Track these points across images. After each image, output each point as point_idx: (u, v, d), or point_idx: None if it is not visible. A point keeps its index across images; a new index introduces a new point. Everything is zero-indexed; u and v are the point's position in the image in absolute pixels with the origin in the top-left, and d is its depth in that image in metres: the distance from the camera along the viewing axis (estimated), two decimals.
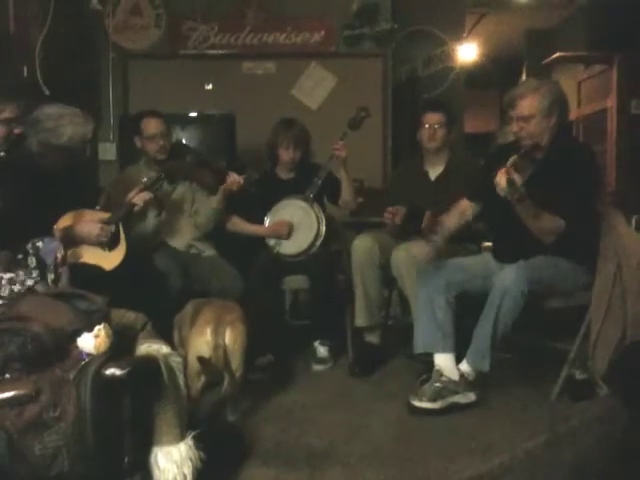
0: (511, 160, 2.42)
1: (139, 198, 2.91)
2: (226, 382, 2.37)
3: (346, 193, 3.33)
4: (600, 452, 2.20)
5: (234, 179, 3.17)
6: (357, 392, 2.80)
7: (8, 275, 1.96)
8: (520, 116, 2.66)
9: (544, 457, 2.19)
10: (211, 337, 2.36)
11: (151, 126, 3.22)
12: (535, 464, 2.16)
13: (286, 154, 3.36)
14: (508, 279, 2.47)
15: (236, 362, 2.39)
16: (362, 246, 3.12)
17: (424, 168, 3.34)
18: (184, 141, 4.28)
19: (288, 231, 3.27)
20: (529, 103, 2.64)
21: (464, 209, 2.90)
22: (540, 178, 2.60)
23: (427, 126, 3.25)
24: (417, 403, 2.50)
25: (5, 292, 1.95)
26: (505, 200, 2.46)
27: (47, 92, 3.50)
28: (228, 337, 2.38)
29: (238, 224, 3.38)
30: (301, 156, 3.38)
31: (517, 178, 2.39)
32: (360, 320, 3.13)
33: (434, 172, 3.31)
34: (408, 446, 2.25)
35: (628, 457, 2.09)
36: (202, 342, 2.36)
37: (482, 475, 2.06)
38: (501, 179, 2.38)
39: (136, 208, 2.92)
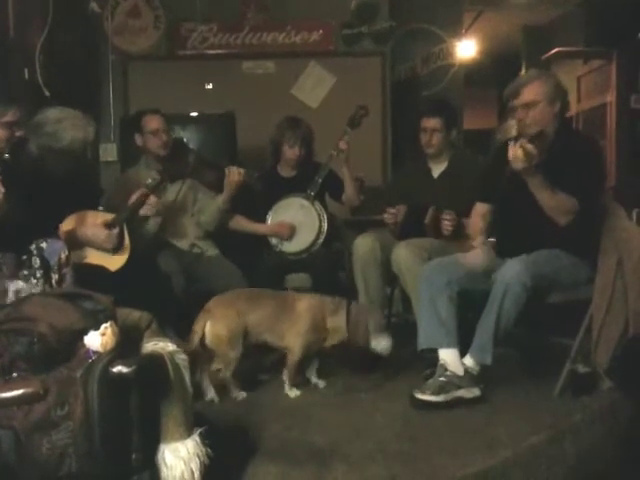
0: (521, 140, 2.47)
1: (147, 203, 2.91)
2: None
3: (349, 190, 3.34)
4: (604, 446, 2.21)
5: (234, 171, 3.18)
6: (361, 390, 2.80)
7: (15, 286, 1.97)
8: (525, 103, 2.67)
9: (548, 452, 2.19)
10: None
11: (153, 122, 3.25)
12: (539, 459, 2.16)
13: (291, 152, 3.37)
14: (510, 273, 2.48)
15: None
16: (363, 245, 3.12)
17: (427, 165, 3.35)
18: (185, 140, 4.28)
19: (290, 233, 3.28)
20: (533, 89, 2.66)
21: (482, 212, 2.89)
22: (546, 166, 2.59)
23: (424, 131, 3.25)
24: (421, 396, 2.50)
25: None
26: (514, 185, 2.48)
27: (48, 94, 3.52)
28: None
29: (240, 222, 3.38)
30: (305, 154, 3.39)
31: (532, 149, 2.42)
32: None
33: (437, 169, 3.31)
34: (412, 443, 2.25)
35: (632, 450, 2.10)
36: None
37: (486, 471, 2.06)
38: (517, 151, 2.42)
39: (142, 211, 2.92)
